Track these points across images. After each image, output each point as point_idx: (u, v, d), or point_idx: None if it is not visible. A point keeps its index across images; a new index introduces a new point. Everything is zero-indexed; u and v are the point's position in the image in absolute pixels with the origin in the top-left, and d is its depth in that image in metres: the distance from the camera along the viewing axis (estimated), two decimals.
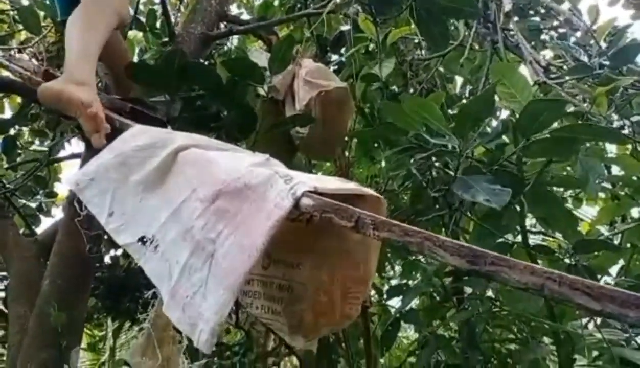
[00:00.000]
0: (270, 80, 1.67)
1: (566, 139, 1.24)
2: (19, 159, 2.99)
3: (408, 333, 3.89)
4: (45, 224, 3.24)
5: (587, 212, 3.52)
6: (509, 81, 1.34)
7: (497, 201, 1.09)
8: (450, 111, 2.64)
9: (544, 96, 2.10)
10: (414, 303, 2.79)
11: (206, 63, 2.98)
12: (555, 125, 1.35)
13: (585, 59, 1.80)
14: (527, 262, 1.69)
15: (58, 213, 3.39)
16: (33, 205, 3.09)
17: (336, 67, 3.04)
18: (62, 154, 3.13)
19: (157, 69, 1.41)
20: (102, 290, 3.02)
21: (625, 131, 1.96)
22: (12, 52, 2.69)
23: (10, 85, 1.74)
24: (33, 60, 2.57)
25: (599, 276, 2.02)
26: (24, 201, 2.94)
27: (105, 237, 2.07)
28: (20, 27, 2.73)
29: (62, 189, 3.37)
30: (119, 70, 2.07)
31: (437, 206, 2.11)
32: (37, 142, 3.17)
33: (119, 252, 3.36)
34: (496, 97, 1.63)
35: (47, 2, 2.16)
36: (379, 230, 0.82)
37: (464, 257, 0.71)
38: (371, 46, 2.69)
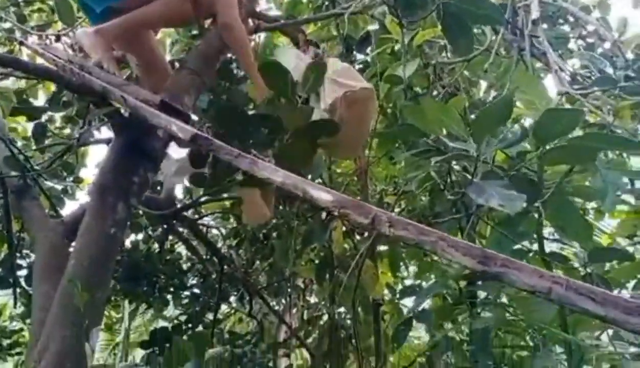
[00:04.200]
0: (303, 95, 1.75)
1: (584, 147, 1.25)
2: (47, 142, 3.08)
3: (419, 333, 3.90)
4: (69, 207, 3.34)
5: (609, 224, 3.48)
6: (529, 90, 1.35)
7: (511, 206, 1.10)
8: (473, 116, 2.66)
9: (570, 106, 2.10)
10: (427, 303, 2.81)
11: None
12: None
13: (610, 70, 1.79)
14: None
15: (82, 196, 3.49)
16: (59, 187, 3.18)
17: (361, 66, 3.06)
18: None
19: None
20: (121, 273, 3.11)
21: None
22: (47, 41, 2.77)
23: (46, 73, 1.80)
24: (68, 49, 2.65)
25: (616, 289, 2.01)
26: (50, 183, 3.03)
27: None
28: (56, 17, 2.81)
29: (87, 174, 3.47)
30: (151, 65, 2.14)
31: (454, 209, 2.12)
32: (67, 129, 3.26)
33: (140, 236, 3.45)
34: (518, 104, 1.63)
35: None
36: (395, 228, 0.85)
37: (475, 258, 0.74)
38: (397, 47, 2.70)
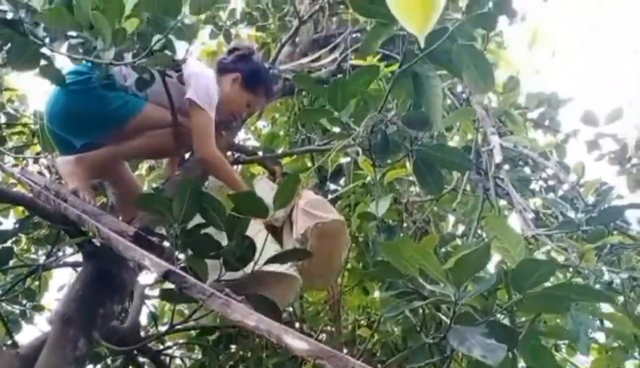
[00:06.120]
0: (273, 213, 1.76)
1: (558, 297, 1.28)
2: (10, 262, 2.98)
3: None
4: (25, 331, 3.16)
5: (582, 360, 3.45)
6: (502, 236, 1.40)
7: (493, 357, 1.10)
8: (442, 249, 2.71)
9: (534, 242, 2.17)
10: None
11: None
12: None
13: (572, 213, 1.89)
14: None
15: (41, 321, 3.31)
16: (16, 310, 3.03)
17: (334, 196, 3.16)
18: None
19: (166, 199, 1.48)
20: None
21: (618, 281, 2.01)
22: (24, 163, 2.81)
23: (21, 200, 1.80)
24: (45, 171, 2.68)
25: None
26: (8, 308, 2.89)
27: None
28: (36, 140, 2.87)
29: (49, 298, 3.33)
30: (126, 194, 2.17)
31: (428, 346, 2.08)
32: (32, 250, 3.18)
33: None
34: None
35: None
36: None
37: None
38: (368, 178, 2.81)
